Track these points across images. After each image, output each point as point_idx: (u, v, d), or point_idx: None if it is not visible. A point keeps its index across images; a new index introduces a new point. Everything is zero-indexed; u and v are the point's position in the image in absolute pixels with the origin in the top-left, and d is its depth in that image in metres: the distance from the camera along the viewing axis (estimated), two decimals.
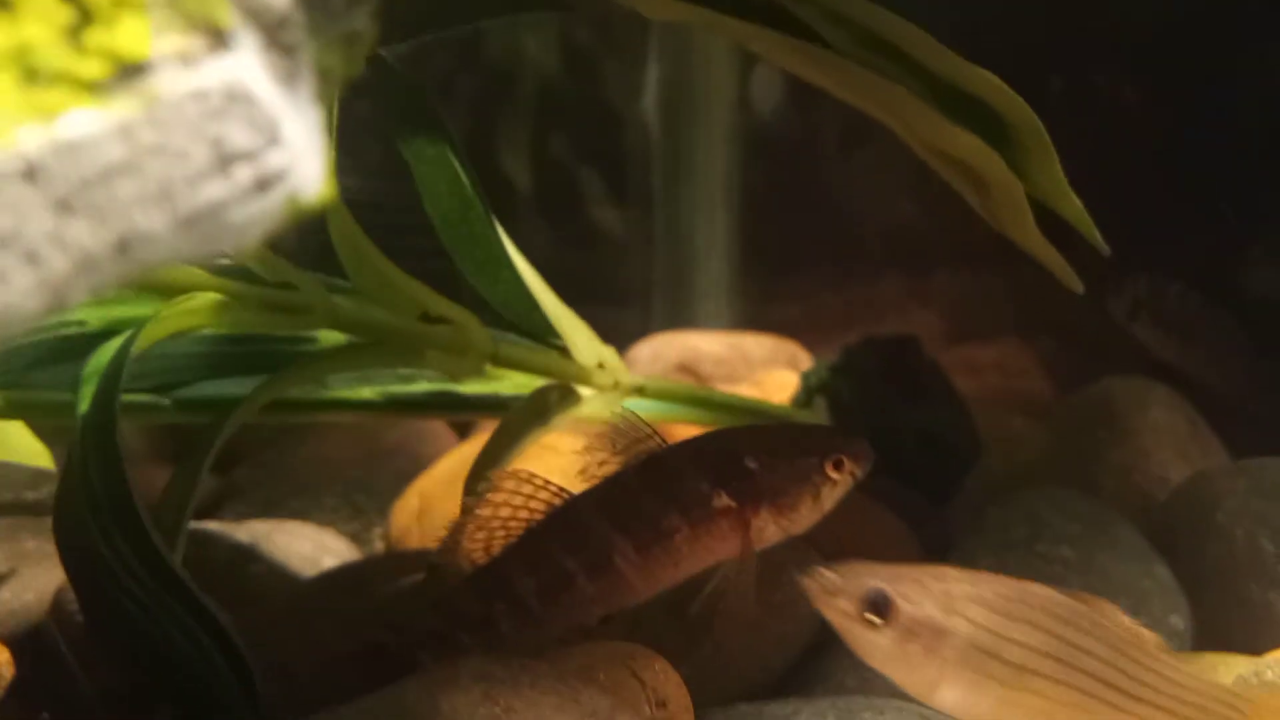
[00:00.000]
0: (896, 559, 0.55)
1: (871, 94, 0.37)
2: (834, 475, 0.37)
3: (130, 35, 0.15)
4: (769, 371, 0.88)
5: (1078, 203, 0.42)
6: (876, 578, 0.30)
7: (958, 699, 0.28)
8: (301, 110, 0.16)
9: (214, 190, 0.15)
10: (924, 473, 0.64)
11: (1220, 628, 0.49)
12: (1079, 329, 0.85)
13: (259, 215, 0.15)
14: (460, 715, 0.27)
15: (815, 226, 1.05)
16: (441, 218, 0.51)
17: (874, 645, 0.29)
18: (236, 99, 0.15)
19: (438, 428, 0.85)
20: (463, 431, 0.84)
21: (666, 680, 0.32)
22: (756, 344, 0.92)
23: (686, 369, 0.86)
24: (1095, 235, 0.42)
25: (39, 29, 0.15)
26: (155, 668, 0.36)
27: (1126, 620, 0.33)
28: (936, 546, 0.56)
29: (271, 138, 0.15)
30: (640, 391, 0.59)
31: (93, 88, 0.15)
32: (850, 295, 1.00)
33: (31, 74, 0.15)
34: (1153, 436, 0.58)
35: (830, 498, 0.37)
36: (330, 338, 0.52)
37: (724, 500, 0.36)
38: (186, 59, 0.15)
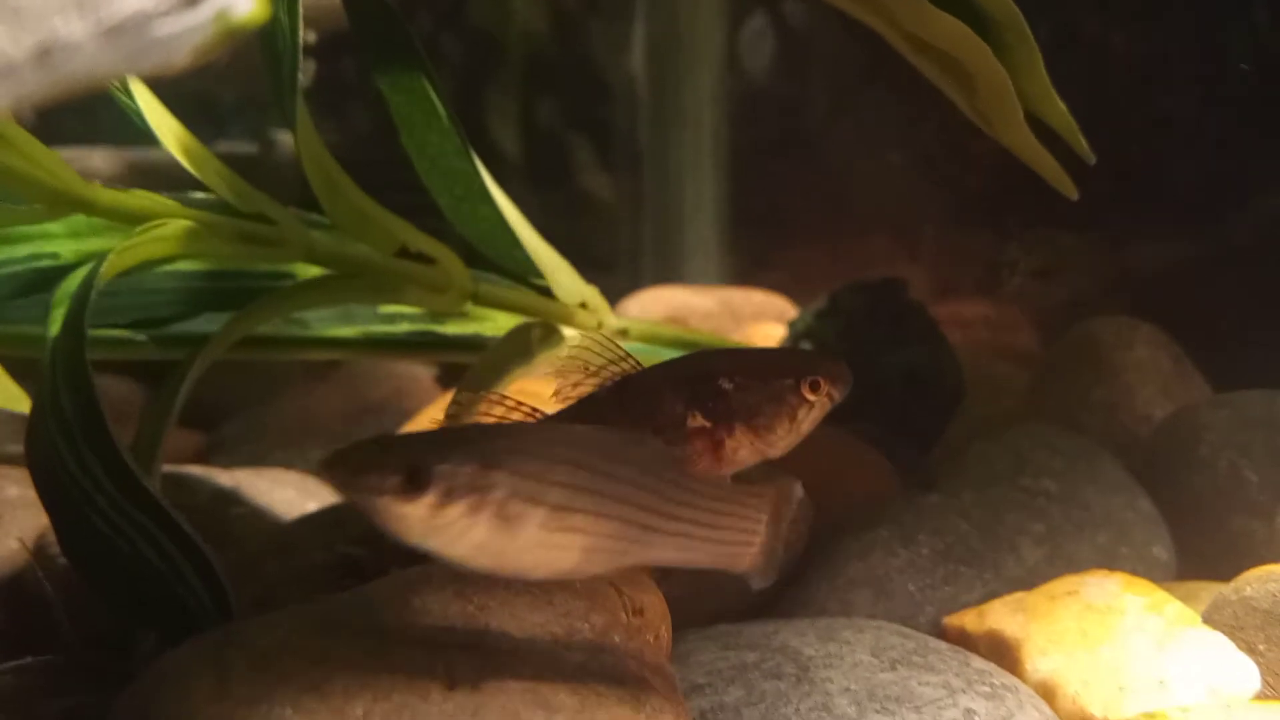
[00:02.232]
0: (880, 495, 0.55)
1: None
2: (810, 396, 0.37)
3: None
4: (757, 325, 0.88)
5: (1062, 106, 0.41)
6: (411, 448, 0.27)
7: (498, 552, 0.27)
8: None
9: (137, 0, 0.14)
10: (909, 413, 0.64)
11: (1203, 556, 0.49)
12: (1068, 284, 0.85)
13: (187, 31, 0.15)
14: (432, 611, 0.26)
15: (803, 185, 1.04)
16: (418, 150, 0.50)
17: (411, 518, 0.26)
18: None
19: (423, 382, 0.85)
20: (447, 385, 0.84)
21: (644, 590, 0.32)
22: (745, 299, 0.92)
23: (675, 322, 0.85)
24: (1080, 141, 0.41)
25: None
26: (129, 587, 0.35)
27: (659, 444, 0.33)
28: (919, 484, 0.56)
29: None
30: (624, 334, 0.58)
31: None
32: (838, 253, 1.00)
33: None
34: (1137, 374, 0.58)
35: (807, 419, 0.37)
36: (307, 273, 0.51)
37: (698, 420, 0.36)
38: None
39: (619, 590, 0.31)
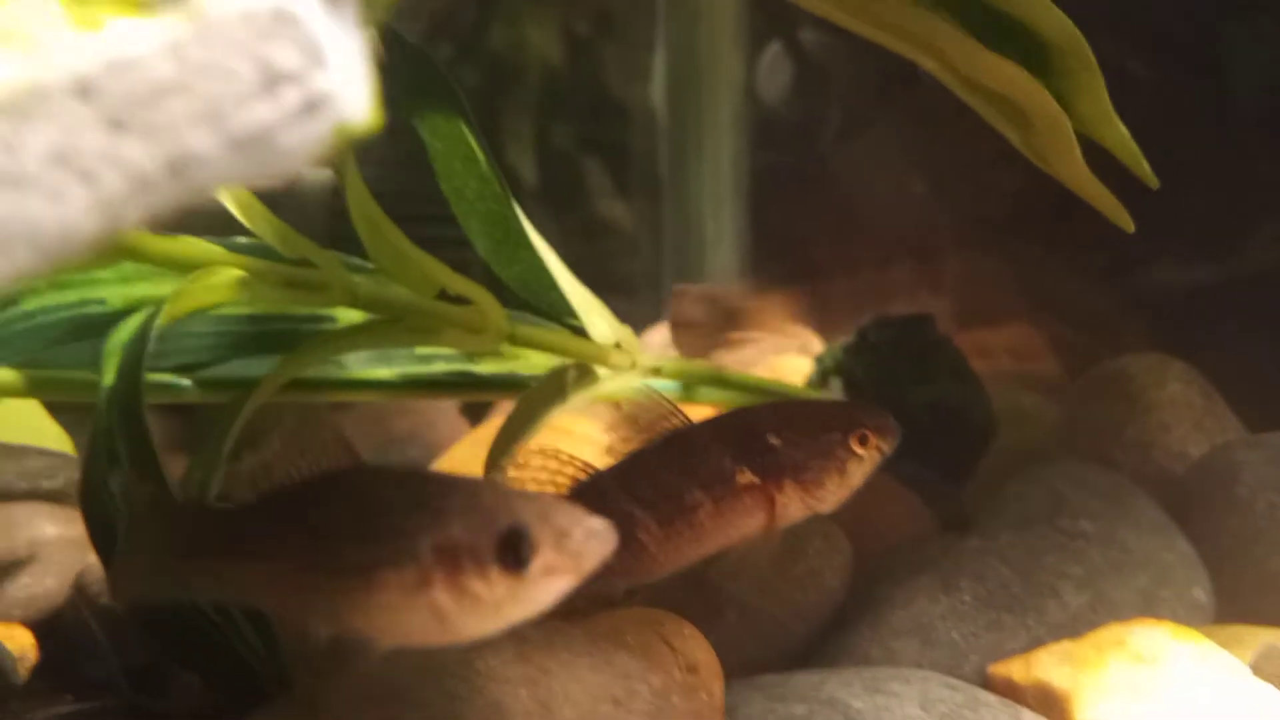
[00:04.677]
0: (914, 536, 0.55)
1: (907, 29, 0.36)
2: (859, 450, 0.37)
3: None
4: (780, 357, 0.88)
5: (1123, 130, 0.40)
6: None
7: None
8: (345, 34, 0.16)
9: (262, 112, 0.15)
10: (940, 450, 0.64)
11: (1242, 598, 0.49)
12: (1091, 313, 0.85)
13: (307, 139, 0.15)
14: (495, 674, 0.27)
15: (824, 213, 1.04)
16: (456, 194, 0.51)
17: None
18: (283, 20, 0.15)
19: (450, 415, 0.85)
20: (475, 418, 0.84)
21: (696, 645, 0.32)
22: (757, 306, 0.92)
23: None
24: (1143, 165, 0.41)
25: None
26: (180, 638, 0.36)
27: None
28: (954, 523, 0.56)
29: (317, 60, 0.15)
30: (657, 372, 0.59)
31: (139, 2, 0.15)
32: (860, 282, 1.01)
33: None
34: (1170, 411, 0.58)
35: (856, 474, 0.37)
36: (349, 316, 0.52)
37: (747, 476, 0.36)
38: None
39: (672, 647, 0.32)
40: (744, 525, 0.37)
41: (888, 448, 0.38)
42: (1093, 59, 0.37)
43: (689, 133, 1.07)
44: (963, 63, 0.36)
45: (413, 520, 0.25)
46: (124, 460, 0.35)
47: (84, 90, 0.14)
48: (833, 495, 0.37)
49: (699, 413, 0.67)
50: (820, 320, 0.96)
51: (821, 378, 0.68)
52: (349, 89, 0.15)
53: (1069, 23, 0.36)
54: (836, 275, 1.00)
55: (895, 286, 0.97)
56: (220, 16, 0.15)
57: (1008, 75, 0.35)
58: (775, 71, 1.07)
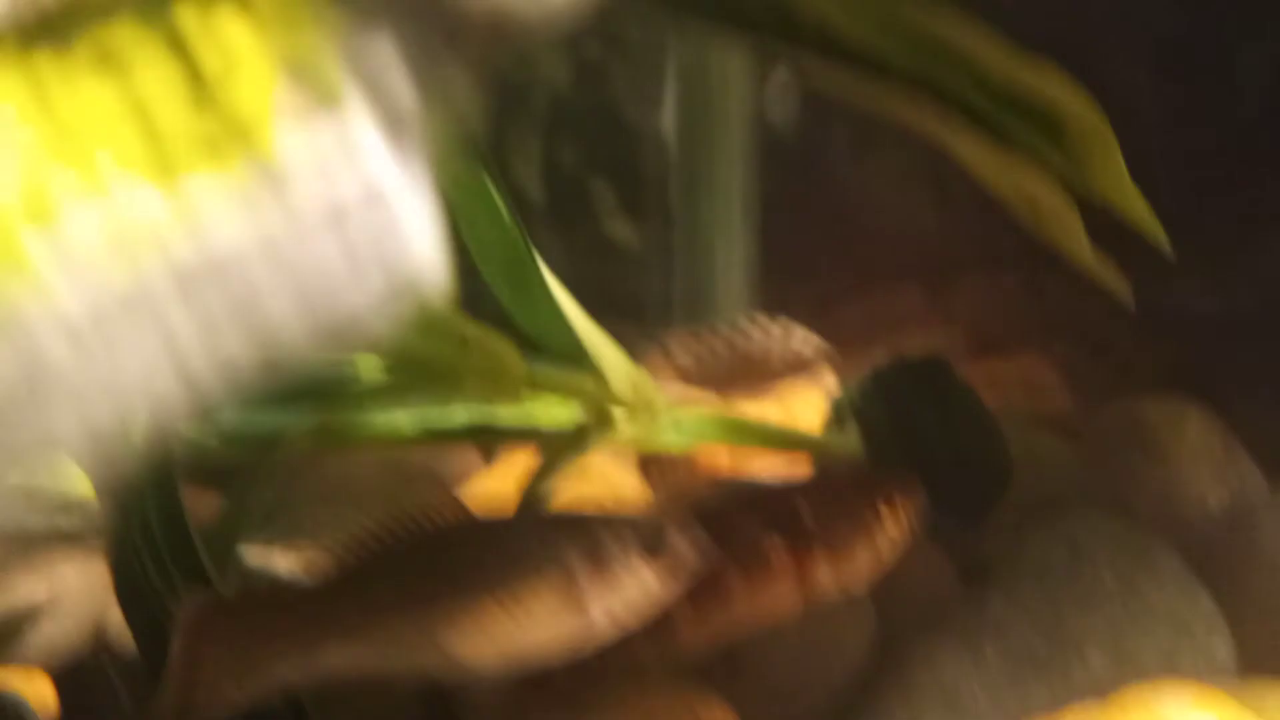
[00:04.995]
0: (934, 589, 0.55)
1: (922, 118, 0.37)
2: (889, 521, 0.37)
3: (247, 95, 0.15)
4: (792, 387, 0.88)
5: (1142, 203, 0.41)
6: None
7: None
8: (412, 177, 0.16)
9: (351, 298, 0.15)
10: (957, 496, 0.64)
11: (1265, 655, 0.49)
12: (1103, 343, 0.85)
13: (389, 314, 0.15)
14: None
15: (835, 240, 1.04)
16: (478, 243, 0.51)
17: None
18: (353, 164, 0.15)
19: (463, 448, 0.85)
20: (488, 452, 0.84)
21: (722, 713, 0.32)
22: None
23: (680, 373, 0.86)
24: (1160, 234, 0.41)
25: (157, 87, 0.15)
26: None
27: None
28: (974, 574, 0.55)
29: (384, 204, 0.15)
30: (674, 418, 0.59)
31: (213, 150, 0.15)
32: (871, 309, 1.00)
33: (152, 134, 0.15)
34: (1189, 459, 0.58)
35: (886, 544, 0.37)
36: (366, 361, 0.52)
37: (778, 549, 0.36)
38: (303, 119, 0.15)
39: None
40: (774, 597, 0.36)
41: (916, 516, 0.38)
42: (1111, 134, 0.37)
43: (700, 157, 1.07)
44: (977, 158, 0.37)
45: (543, 538, 0.26)
46: (154, 525, 0.35)
47: (164, 250, 0.14)
48: (863, 567, 0.37)
49: (715, 456, 0.67)
50: (831, 348, 0.96)
51: (838, 420, 0.68)
52: (428, 260, 0.15)
53: (1088, 101, 0.36)
54: (847, 301, 1.00)
55: (906, 314, 0.97)
56: (293, 163, 0.15)
57: (1022, 173, 0.35)
58: (784, 97, 1.07)
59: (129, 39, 0.16)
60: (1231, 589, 0.51)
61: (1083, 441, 0.65)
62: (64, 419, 0.13)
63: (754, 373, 0.71)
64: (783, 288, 1.10)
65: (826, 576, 0.37)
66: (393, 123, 0.15)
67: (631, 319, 1.08)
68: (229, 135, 0.15)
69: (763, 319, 0.75)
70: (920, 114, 0.37)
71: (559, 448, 0.52)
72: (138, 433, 0.14)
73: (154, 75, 0.15)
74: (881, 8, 0.34)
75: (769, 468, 0.66)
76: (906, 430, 0.66)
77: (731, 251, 1.11)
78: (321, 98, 0.15)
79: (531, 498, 0.50)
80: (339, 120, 0.15)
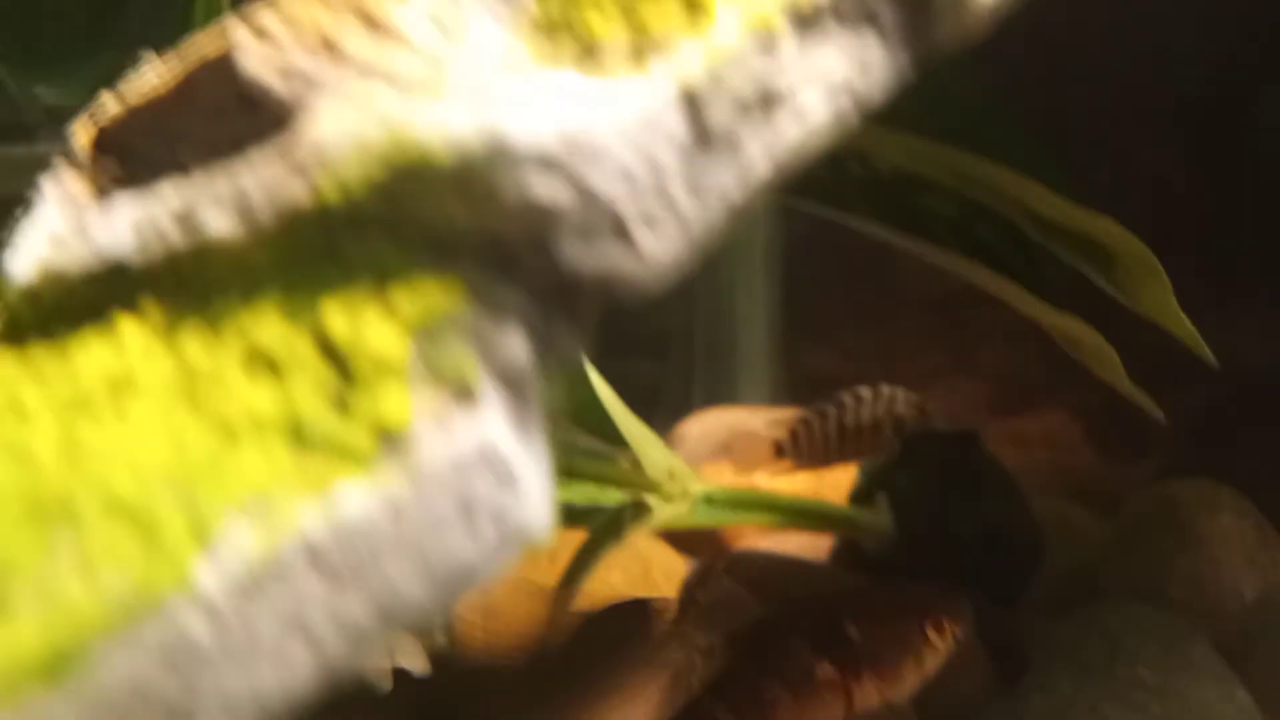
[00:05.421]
0: (969, 678, 0.55)
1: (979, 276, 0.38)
2: (936, 640, 0.37)
3: (393, 403, 0.15)
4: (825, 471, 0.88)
5: (1189, 324, 0.42)
6: None
7: None
8: (533, 451, 0.16)
9: (464, 550, 0.15)
10: (987, 574, 0.64)
11: None
12: (1126, 403, 0.85)
13: (498, 564, 0.15)
14: None
15: (859, 293, 1.05)
16: None
17: None
18: (486, 457, 0.15)
19: None
20: None
21: None
22: (793, 419, 0.92)
23: (726, 447, 0.86)
24: (1207, 354, 0.43)
25: (308, 394, 0.16)
26: None
27: None
28: (1009, 658, 0.55)
29: (512, 488, 0.16)
30: (708, 500, 0.59)
31: (360, 459, 0.15)
32: (895, 363, 1.00)
33: (302, 441, 0.15)
34: (1223, 544, 0.58)
35: (933, 663, 0.37)
36: None
37: (827, 671, 0.36)
38: (443, 424, 0.15)
39: None
40: (821, 718, 0.37)
41: (963, 635, 0.38)
42: (1159, 266, 0.38)
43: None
44: (1026, 307, 0.38)
45: None
46: None
47: (312, 555, 0.14)
48: (909, 685, 0.37)
49: (747, 535, 0.67)
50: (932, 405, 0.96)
51: (867, 490, 0.68)
52: (537, 510, 0.15)
53: (1137, 242, 0.37)
54: (871, 355, 1.00)
55: (931, 370, 0.97)
56: (434, 467, 0.15)
57: (1071, 329, 0.36)
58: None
59: (278, 337, 0.16)
60: (1267, 682, 0.51)
61: (1117, 521, 0.65)
62: (210, 706, 0.13)
63: (862, 442, 0.72)
64: (806, 341, 1.11)
65: (873, 697, 0.37)
66: (518, 401, 0.16)
67: (659, 362, 1.08)
68: (373, 441, 0.15)
69: (860, 389, 0.76)
70: (977, 273, 0.38)
71: (597, 533, 0.52)
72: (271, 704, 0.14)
73: (304, 379, 0.16)
74: (954, 161, 0.34)
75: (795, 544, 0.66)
76: (936, 505, 0.66)
77: (754, 303, 1.11)
78: (460, 398, 0.15)
79: (571, 580, 0.50)
80: (474, 417, 0.15)
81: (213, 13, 0.35)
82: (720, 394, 1.02)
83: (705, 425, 0.87)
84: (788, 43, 0.17)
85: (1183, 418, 0.80)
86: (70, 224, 0.22)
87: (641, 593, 0.63)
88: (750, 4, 0.16)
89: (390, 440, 0.15)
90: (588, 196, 0.16)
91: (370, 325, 0.16)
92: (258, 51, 0.20)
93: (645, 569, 0.66)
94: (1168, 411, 0.86)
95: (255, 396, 0.16)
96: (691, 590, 0.55)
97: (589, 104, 0.16)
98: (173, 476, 0.15)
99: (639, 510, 0.56)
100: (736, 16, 0.16)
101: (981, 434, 0.70)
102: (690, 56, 0.16)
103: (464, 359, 0.16)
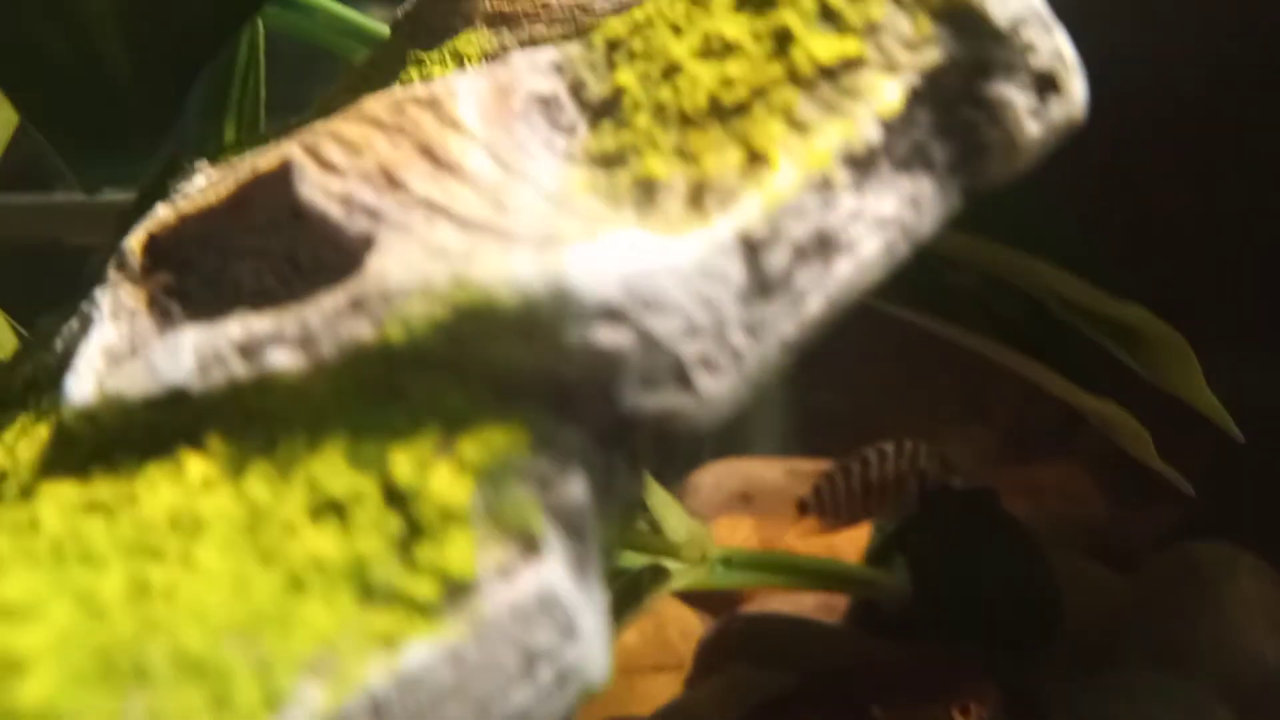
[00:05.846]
0: None
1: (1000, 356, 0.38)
2: None
3: (458, 552, 0.16)
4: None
5: (1216, 402, 0.43)
6: None
7: None
8: (592, 597, 0.16)
9: (522, 696, 0.15)
10: (1005, 635, 0.64)
11: None
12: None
13: (555, 711, 0.15)
14: None
15: (873, 340, 1.05)
16: None
17: None
18: (546, 605, 0.16)
19: None
20: None
21: None
22: (813, 469, 0.92)
23: (747, 497, 0.86)
24: (1234, 431, 0.43)
25: (372, 542, 0.16)
26: None
27: None
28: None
29: (570, 634, 0.16)
30: (726, 562, 0.59)
31: (424, 609, 0.15)
32: (907, 410, 1.00)
33: (368, 591, 0.16)
34: (1244, 609, 0.57)
35: None
36: None
37: None
38: (506, 572, 0.15)
39: None
40: None
41: (988, 715, 0.38)
42: (1190, 351, 0.39)
43: None
44: (1058, 389, 0.38)
45: None
46: None
47: (376, 710, 0.14)
48: None
49: (765, 597, 0.67)
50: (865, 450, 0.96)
51: (884, 548, 0.68)
52: (596, 657, 0.15)
53: (1170, 330, 0.38)
54: (884, 405, 1.00)
55: (944, 419, 0.97)
56: (496, 616, 0.15)
57: (1104, 413, 0.37)
58: None
59: (344, 483, 0.16)
60: None
61: (1136, 581, 0.64)
62: None
63: (886, 498, 0.72)
64: (819, 389, 1.10)
65: None
66: (579, 546, 0.16)
67: None
68: (437, 591, 0.15)
69: (883, 444, 0.76)
70: (1005, 355, 0.39)
71: (616, 599, 0.52)
72: None
73: (370, 525, 0.16)
74: (978, 247, 0.35)
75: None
76: (954, 565, 0.66)
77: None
78: (523, 547, 0.16)
79: None
80: (537, 565, 0.16)
81: (247, 116, 0.36)
82: (731, 439, 1.02)
83: (719, 475, 0.87)
84: (844, 187, 0.17)
85: (1195, 466, 0.80)
86: (126, 338, 0.22)
87: (656, 652, 0.63)
88: (808, 150, 0.17)
89: (455, 590, 0.15)
90: (650, 343, 0.16)
91: (435, 471, 0.16)
92: (317, 178, 0.20)
93: (660, 627, 0.66)
94: (1180, 460, 0.86)
95: (321, 543, 0.16)
96: (707, 655, 0.55)
97: (652, 251, 0.16)
98: (241, 628, 0.15)
99: (657, 575, 0.56)
100: (794, 163, 0.17)
101: (995, 486, 0.70)
102: (750, 204, 0.17)
103: (527, 505, 0.16)
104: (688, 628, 0.65)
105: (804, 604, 0.66)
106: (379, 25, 0.42)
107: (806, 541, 0.75)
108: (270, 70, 0.38)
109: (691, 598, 0.67)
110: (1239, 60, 0.67)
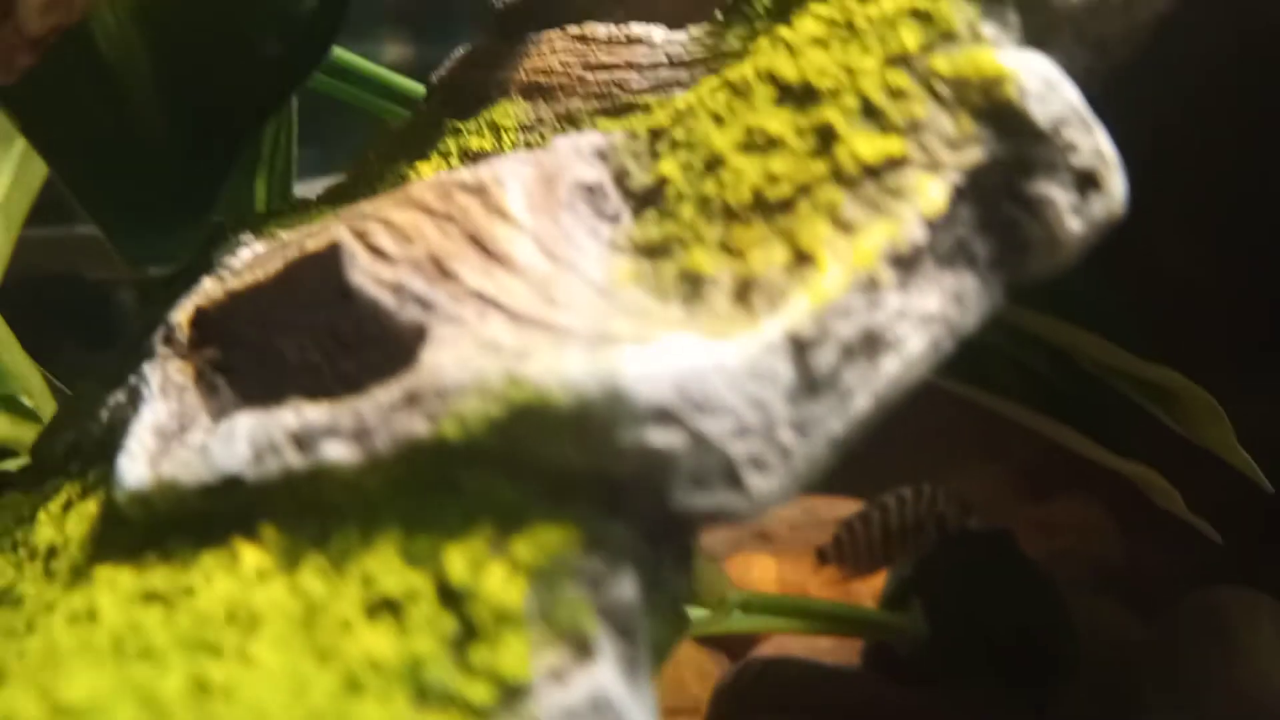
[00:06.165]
0: None
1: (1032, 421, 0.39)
2: None
3: (512, 654, 0.16)
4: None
5: (1245, 456, 0.43)
6: None
7: None
8: (642, 698, 0.16)
9: None
10: (1022, 675, 0.64)
11: None
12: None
13: None
14: None
15: None
16: None
17: None
18: (598, 708, 0.16)
19: None
20: None
21: None
22: (829, 507, 0.92)
23: (764, 535, 0.86)
24: (1265, 483, 0.44)
25: (428, 642, 0.16)
26: None
27: None
28: None
29: (609, 710, 0.16)
30: (744, 607, 0.59)
31: (479, 713, 0.15)
32: (926, 447, 1.00)
33: (423, 694, 0.16)
34: (1267, 657, 0.57)
35: None
36: None
37: None
38: (559, 675, 0.16)
39: None
40: None
41: None
42: (1220, 410, 0.39)
43: None
44: (1087, 450, 0.39)
45: None
46: None
47: None
48: None
49: (782, 640, 0.67)
50: (880, 489, 0.96)
51: (900, 595, 0.68)
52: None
53: (1200, 391, 0.38)
54: (898, 442, 1.00)
55: (958, 456, 0.97)
56: (548, 718, 0.15)
57: (1135, 473, 0.37)
58: None
59: (399, 580, 0.16)
60: None
61: (1158, 626, 0.64)
62: None
63: (906, 544, 0.72)
64: None
65: None
66: (629, 646, 0.16)
67: None
68: (492, 694, 0.16)
69: (902, 490, 0.77)
70: (1039, 421, 0.39)
71: None
72: None
73: (425, 625, 0.16)
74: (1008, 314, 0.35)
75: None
76: (970, 608, 0.66)
77: None
78: (576, 650, 0.16)
79: None
80: (591, 671, 0.16)
81: (278, 173, 0.36)
82: None
83: None
84: (889, 286, 0.17)
85: (1211, 503, 0.80)
86: (175, 415, 0.22)
87: (673, 695, 0.63)
88: (854, 250, 0.17)
89: (509, 693, 0.16)
90: (701, 444, 0.16)
91: (489, 571, 0.16)
92: (368, 265, 0.20)
93: (676, 669, 0.66)
94: (1196, 496, 0.86)
95: (377, 642, 0.16)
96: (725, 701, 0.55)
97: (703, 353, 0.17)
98: None
99: (680, 619, 0.56)
100: (841, 264, 0.17)
101: (1012, 525, 0.70)
102: (798, 304, 0.17)
103: (580, 606, 0.16)
104: (704, 670, 0.65)
105: (820, 646, 0.65)
106: (411, 84, 0.43)
107: (827, 590, 0.74)
108: (300, 128, 0.39)
109: (707, 640, 0.67)
110: (1246, 123, 0.68)
